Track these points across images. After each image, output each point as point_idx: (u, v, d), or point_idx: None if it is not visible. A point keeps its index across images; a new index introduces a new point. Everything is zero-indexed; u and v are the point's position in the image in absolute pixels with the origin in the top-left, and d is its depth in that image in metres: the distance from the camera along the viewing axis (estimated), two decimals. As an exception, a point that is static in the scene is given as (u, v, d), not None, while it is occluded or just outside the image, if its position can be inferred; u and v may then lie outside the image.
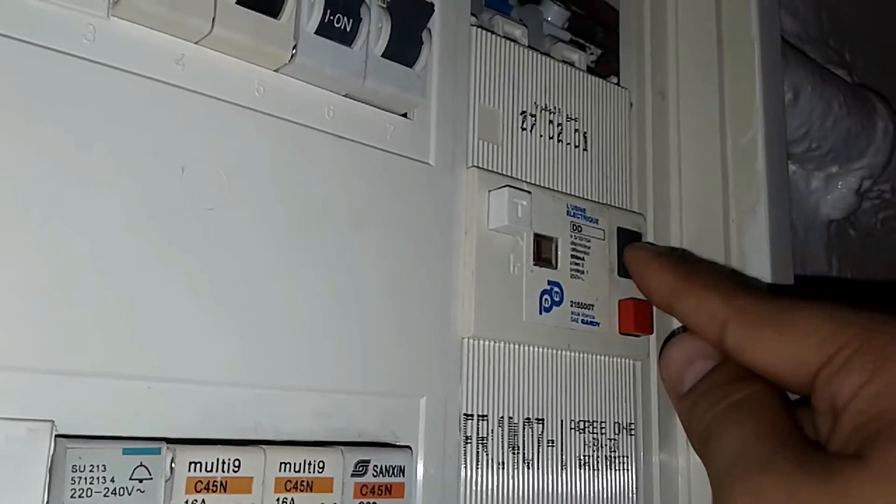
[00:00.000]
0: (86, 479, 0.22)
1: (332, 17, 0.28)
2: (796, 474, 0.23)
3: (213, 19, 0.26)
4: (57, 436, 0.22)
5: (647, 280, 0.34)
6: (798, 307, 0.27)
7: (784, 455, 0.24)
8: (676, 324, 0.39)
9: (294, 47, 0.28)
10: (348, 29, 0.29)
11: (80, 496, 0.22)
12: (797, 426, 0.26)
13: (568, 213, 0.36)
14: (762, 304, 0.28)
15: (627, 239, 0.38)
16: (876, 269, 0.60)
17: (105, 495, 0.22)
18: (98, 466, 0.22)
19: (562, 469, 0.34)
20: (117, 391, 0.24)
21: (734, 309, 0.29)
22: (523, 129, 0.36)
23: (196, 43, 0.26)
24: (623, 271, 0.37)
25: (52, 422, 0.22)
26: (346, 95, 0.30)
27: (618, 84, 0.42)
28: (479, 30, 0.35)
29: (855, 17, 0.62)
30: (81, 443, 0.22)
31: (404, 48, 0.31)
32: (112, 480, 0.22)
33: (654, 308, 0.38)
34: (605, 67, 0.43)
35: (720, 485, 0.25)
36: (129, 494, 0.23)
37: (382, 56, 0.30)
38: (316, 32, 0.28)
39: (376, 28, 0.30)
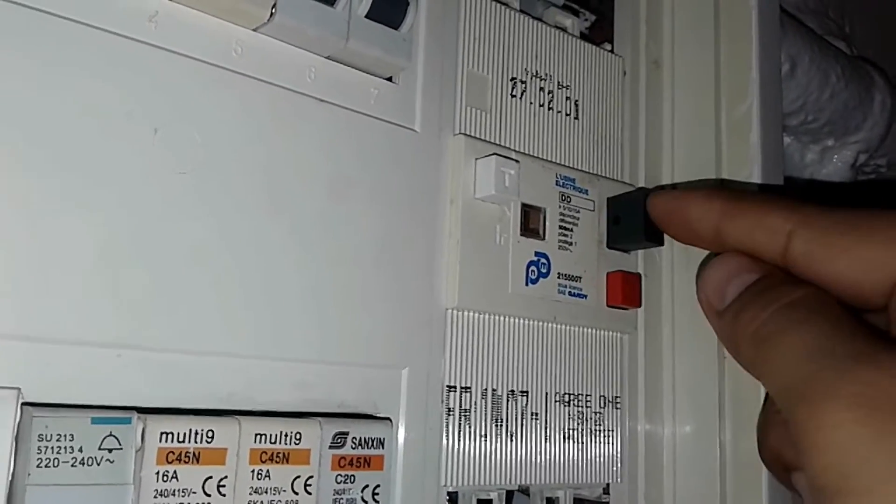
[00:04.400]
0: (52, 448, 0.22)
1: (313, -25, 0.27)
2: None
3: (188, -25, 0.25)
4: (23, 403, 0.22)
5: (690, 210, 0.30)
6: (878, 215, 0.25)
7: (876, 344, 0.22)
8: (666, 297, 0.38)
9: (273, 6, 0.27)
10: (331, -13, 0.28)
11: (46, 466, 0.21)
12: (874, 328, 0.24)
13: (557, 183, 0.35)
14: (834, 213, 0.26)
15: (616, 210, 0.37)
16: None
17: (73, 465, 0.22)
18: (65, 436, 0.22)
19: (546, 441, 0.34)
20: (87, 359, 0.23)
21: (801, 218, 0.26)
22: (513, 95, 0.35)
23: (171, 0, 0.25)
24: (612, 243, 0.37)
25: (19, 389, 0.22)
26: (328, 57, 0.29)
27: (611, 51, 0.41)
28: (469, -8, 0.34)
29: (855, -13, 0.61)
30: (48, 411, 0.22)
31: (389, 9, 0.30)
32: (80, 450, 0.22)
33: (643, 281, 0.38)
34: (599, 34, 0.42)
35: (796, 385, 0.23)
36: (98, 465, 0.22)
37: (366, 17, 0.29)
38: (297, -10, 0.27)
39: (360, -13, 0.29)
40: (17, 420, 0.22)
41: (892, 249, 0.24)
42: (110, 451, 0.22)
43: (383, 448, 0.27)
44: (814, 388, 0.22)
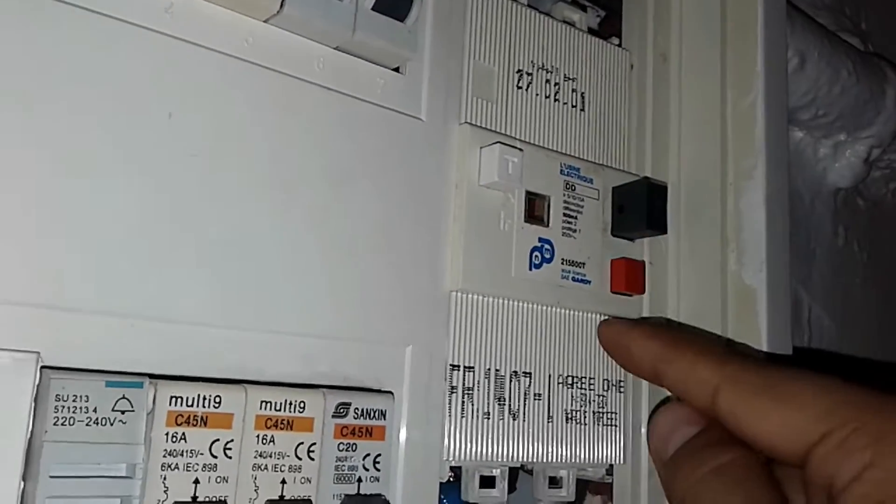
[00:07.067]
0: (69, 408, 0.23)
1: (321, -31, 0.29)
2: None
3: (201, -32, 0.26)
4: (42, 367, 0.23)
5: (631, 348, 0.33)
6: (796, 378, 0.27)
7: None
8: (671, 285, 0.39)
9: (282, -2, 0.28)
10: (338, -19, 0.29)
11: (62, 424, 0.23)
12: (783, 496, 0.26)
13: (561, 171, 0.36)
14: (757, 372, 0.28)
15: (620, 200, 0.38)
16: (883, 240, 0.59)
17: (87, 424, 0.23)
18: (81, 397, 0.23)
19: (548, 421, 0.35)
20: (103, 327, 0.25)
21: (727, 375, 0.28)
22: (519, 87, 0.37)
23: (185, -9, 0.27)
24: (616, 231, 0.37)
25: (38, 353, 0.23)
26: (336, 48, 0.31)
27: (619, 45, 0.42)
28: (476, -13, 0.35)
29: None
30: (65, 374, 0.23)
31: (395, 1, 0.31)
32: (94, 411, 0.23)
33: (648, 269, 0.39)
34: (608, 28, 0.43)
35: None
36: (111, 425, 0.23)
37: (373, 9, 0.30)
38: (305, -17, 0.28)
39: (366, -20, 0.30)
40: (37, 382, 0.23)
41: (806, 415, 0.26)
42: (123, 412, 0.24)
43: (385, 419, 0.28)
44: None
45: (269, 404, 0.26)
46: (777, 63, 0.40)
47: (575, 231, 0.36)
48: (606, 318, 0.37)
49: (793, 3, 0.48)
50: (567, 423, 0.35)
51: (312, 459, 0.27)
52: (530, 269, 0.34)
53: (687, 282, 0.39)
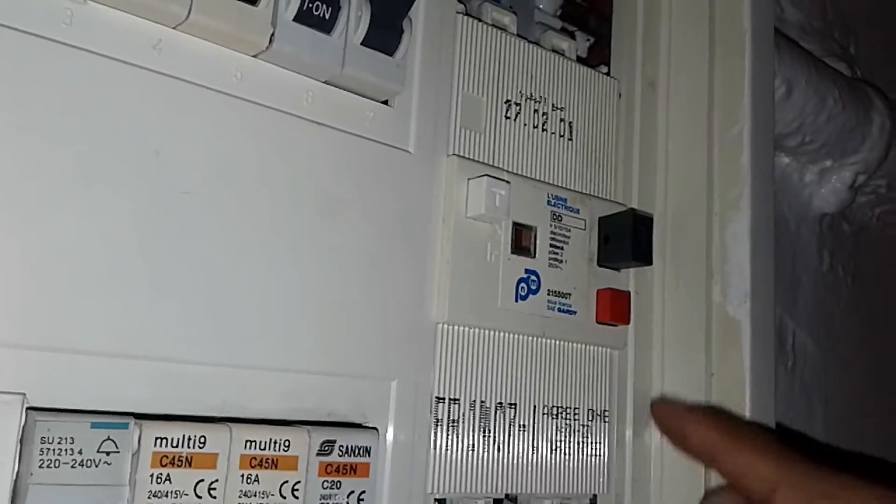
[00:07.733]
0: (54, 450, 0.23)
1: (310, 5, 0.29)
2: None
3: (191, 5, 0.26)
4: (28, 408, 0.23)
5: (688, 434, 0.34)
6: (853, 488, 0.28)
7: None
8: (657, 315, 0.39)
9: (272, 34, 0.28)
10: (327, 16, 0.29)
11: (48, 466, 0.23)
12: None
13: (548, 202, 0.37)
14: (819, 477, 0.29)
15: (606, 230, 0.38)
16: (868, 265, 0.60)
17: (73, 466, 0.23)
18: (66, 439, 0.23)
19: (533, 452, 0.35)
20: (89, 367, 0.25)
21: (788, 476, 0.29)
22: (507, 117, 0.37)
23: (174, 28, 0.27)
24: (602, 262, 0.38)
25: (24, 395, 0.23)
26: (325, 82, 0.31)
27: (608, 74, 0.42)
28: (466, 17, 0.36)
29: (862, 8, 0.62)
30: (51, 415, 0.23)
31: (384, 36, 0.31)
32: (80, 452, 0.23)
33: (633, 299, 0.39)
34: (597, 55, 0.43)
35: None
36: (97, 466, 0.24)
37: (362, 44, 0.30)
38: (294, 20, 0.29)
39: (356, 16, 0.30)
40: (22, 423, 0.23)
41: None
42: (108, 453, 0.24)
43: (369, 456, 0.28)
44: None
45: (253, 443, 0.26)
46: (764, 92, 0.41)
47: (561, 262, 0.36)
48: (657, 399, 0.38)
49: (780, 31, 0.48)
50: (551, 453, 0.35)
51: (297, 498, 0.27)
52: (516, 301, 0.35)
53: (671, 313, 0.39)
